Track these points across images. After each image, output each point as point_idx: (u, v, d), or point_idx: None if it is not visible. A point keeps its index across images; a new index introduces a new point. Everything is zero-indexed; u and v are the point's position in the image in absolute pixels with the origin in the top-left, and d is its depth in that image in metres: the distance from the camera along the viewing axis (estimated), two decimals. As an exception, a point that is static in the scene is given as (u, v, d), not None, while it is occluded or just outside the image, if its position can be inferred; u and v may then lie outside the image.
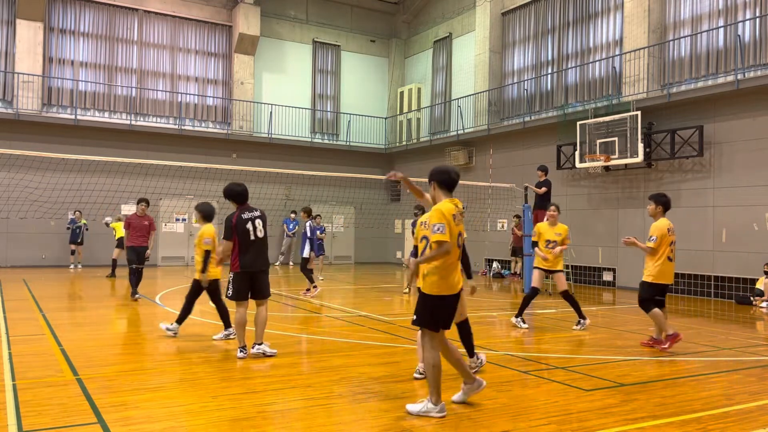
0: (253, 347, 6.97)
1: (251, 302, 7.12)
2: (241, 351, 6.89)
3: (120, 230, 16.84)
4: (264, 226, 7.01)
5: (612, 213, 16.72)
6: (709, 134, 14.48)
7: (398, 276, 19.69)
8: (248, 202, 7.13)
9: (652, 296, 7.89)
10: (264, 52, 23.91)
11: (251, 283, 6.96)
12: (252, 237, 6.87)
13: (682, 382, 6.28)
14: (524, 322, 9.70)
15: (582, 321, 9.64)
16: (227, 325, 8.18)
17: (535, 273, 9.76)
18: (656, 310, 7.79)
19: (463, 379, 5.26)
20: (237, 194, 7.03)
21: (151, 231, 12.15)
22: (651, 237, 7.77)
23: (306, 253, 13.23)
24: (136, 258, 11.95)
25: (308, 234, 13.29)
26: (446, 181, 5.05)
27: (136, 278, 11.94)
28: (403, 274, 20.05)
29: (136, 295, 11.85)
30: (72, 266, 19.23)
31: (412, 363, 6.76)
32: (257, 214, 6.99)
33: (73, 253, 19.33)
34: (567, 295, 9.68)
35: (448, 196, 5.04)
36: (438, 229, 4.73)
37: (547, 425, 4.69)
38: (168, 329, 8.21)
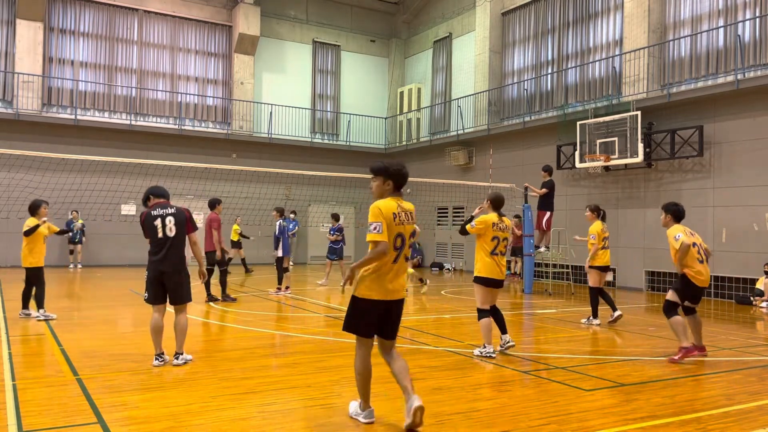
0: (175, 357, 6.52)
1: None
2: (156, 359, 6.45)
3: (235, 233, 18.44)
4: (177, 225, 6.48)
5: (612, 213, 16.71)
6: (709, 134, 14.48)
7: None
8: (170, 200, 6.83)
9: (682, 299, 7.34)
10: (264, 52, 23.91)
11: (164, 285, 6.49)
12: (160, 235, 6.43)
13: (682, 382, 6.28)
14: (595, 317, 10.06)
15: (591, 318, 10.00)
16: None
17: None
18: (678, 317, 7.23)
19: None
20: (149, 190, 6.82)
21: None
22: (675, 236, 7.28)
23: (281, 252, 13.35)
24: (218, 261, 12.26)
25: (276, 233, 13.40)
26: (395, 176, 4.64)
27: (220, 279, 12.37)
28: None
29: (228, 298, 12.13)
30: (71, 266, 19.24)
31: (412, 363, 6.75)
32: (171, 211, 6.53)
33: (71, 252, 19.35)
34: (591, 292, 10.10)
35: (394, 195, 4.67)
36: (374, 228, 4.45)
37: (547, 425, 4.69)
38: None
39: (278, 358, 7.09)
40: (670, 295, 7.36)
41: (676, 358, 7.13)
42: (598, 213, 10.07)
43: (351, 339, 8.23)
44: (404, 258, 4.64)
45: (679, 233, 7.27)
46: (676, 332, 7.21)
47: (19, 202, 15.64)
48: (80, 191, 17.07)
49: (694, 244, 7.31)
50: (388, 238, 4.48)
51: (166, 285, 6.47)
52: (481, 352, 7.17)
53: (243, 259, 19.34)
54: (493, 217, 7.18)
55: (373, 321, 4.58)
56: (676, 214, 7.53)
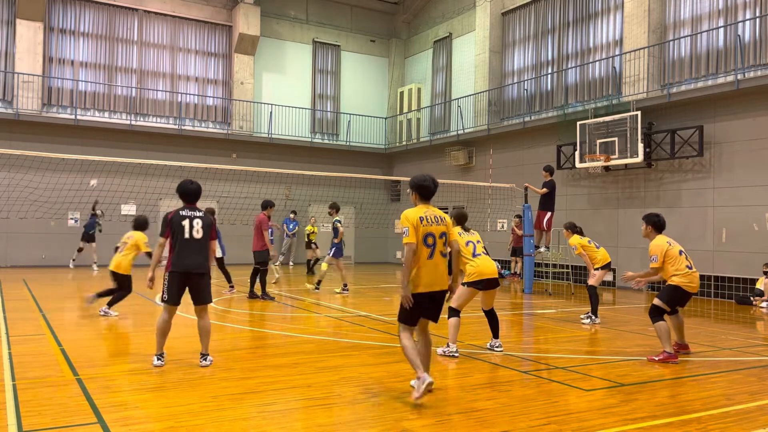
0: (203, 358, 6.49)
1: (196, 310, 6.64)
2: (157, 358, 6.40)
3: (314, 235, 19.14)
4: (204, 228, 6.60)
5: (612, 213, 16.72)
6: (709, 134, 14.48)
7: (398, 276, 19.68)
8: (197, 203, 6.88)
9: (671, 306, 7.34)
10: (264, 52, 23.91)
11: (184, 285, 6.48)
12: (187, 236, 6.48)
13: (682, 382, 6.28)
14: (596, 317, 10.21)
15: (593, 317, 10.14)
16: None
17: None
18: (663, 323, 7.21)
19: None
20: (187, 193, 6.87)
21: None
22: (652, 257, 7.36)
23: (219, 252, 13.11)
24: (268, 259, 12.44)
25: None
26: (418, 188, 5.42)
27: (260, 277, 12.42)
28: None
29: (266, 297, 12.28)
30: (95, 266, 18.35)
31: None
32: (199, 214, 6.70)
33: (80, 250, 18.51)
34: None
35: (422, 203, 5.41)
36: (404, 233, 5.19)
37: (547, 425, 4.69)
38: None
39: (278, 358, 7.09)
40: (658, 302, 7.31)
41: (656, 358, 7.11)
42: (573, 229, 10.72)
43: (351, 339, 8.26)
44: (440, 254, 5.25)
45: (655, 255, 7.29)
46: (661, 338, 7.19)
47: (19, 202, 15.65)
48: (80, 191, 17.07)
49: (681, 252, 7.35)
50: (417, 238, 5.15)
51: (191, 286, 6.47)
52: (444, 351, 7.22)
53: (309, 261, 19.62)
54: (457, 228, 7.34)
55: (418, 311, 5.28)
56: (657, 225, 7.64)
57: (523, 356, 7.39)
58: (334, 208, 14.02)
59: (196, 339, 6.58)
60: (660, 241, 7.42)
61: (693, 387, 6.11)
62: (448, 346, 7.23)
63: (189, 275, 6.44)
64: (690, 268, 7.28)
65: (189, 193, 6.84)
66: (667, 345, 7.15)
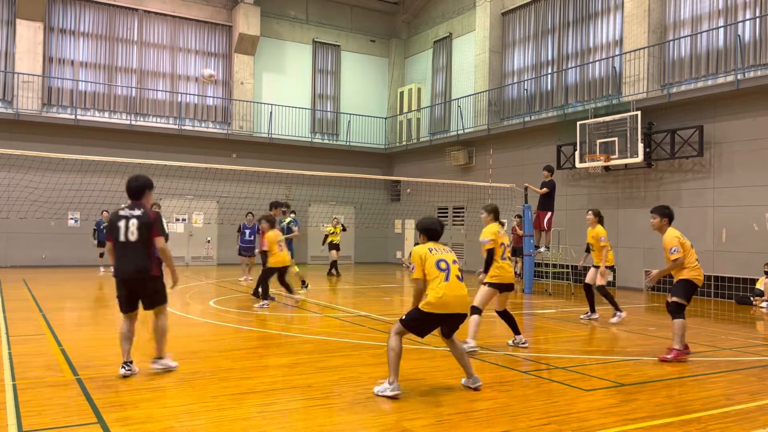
0: (153, 361, 6.11)
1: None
2: (123, 367, 5.91)
3: (336, 236, 18.95)
4: (139, 229, 5.97)
5: (612, 213, 16.71)
6: (709, 134, 14.48)
7: (398, 276, 19.69)
8: (142, 200, 6.26)
9: (687, 301, 7.26)
10: (264, 52, 23.91)
11: (129, 291, 6.02)
12: (122, 238, 5.98)
13: (682, 382, 6.28)
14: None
15: (619, 314, 10.17)
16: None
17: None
18: (683, 320, 7.17)
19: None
20: (127, 189, 6.26)
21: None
22: (672, 249, 7.20)
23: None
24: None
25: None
26: (425, 232, 5.78)
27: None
28: (402, 274, 20.05)
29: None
30: (102, 268, 17.80)
31: (412, 363, 6.76)
32: (136, 213, 6.07)
33: (102, 255, 17.42)
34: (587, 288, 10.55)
35: (429, 243, 5.74)
36: (412, 268, 5.58)
37: (547, 425, 4.69)
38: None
39: (278, 358, 7.08)
40: (678, 299, 7.19)
41: (668, 357, 7.09)
42: (601, 219, 10.39)
43: (351, 339, 8.26)
44: (456, 278, 5.47)
45: (675, 246, 7.17)
46: (677, 334, 7.12)
47: (19, 202, 15.65)
48: (80, 191, 17.06)
49: (691, 245, 7.36)
50: (428, 267, 5.44)
51: (134, 292, 6.03)
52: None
53: (335, 262, 19.10)
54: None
55: (430, 328, 5.56)
56: (671, 216, 7.52)
57: (523, 356, 7.39)
58: (287, 208, 13.57)
59: (196, 339, 6.59)
60: (675, 232, 7.34)
61: (693, 387, 6.11)
62: (466, 342, 7.28)
63: (128, 281, 5.99)
64: (698, 261, 7.31)
65: (128, 189, 6.24)
66: (680, 342, 7.11)
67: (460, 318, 5.53)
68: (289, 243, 16.57)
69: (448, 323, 5.54)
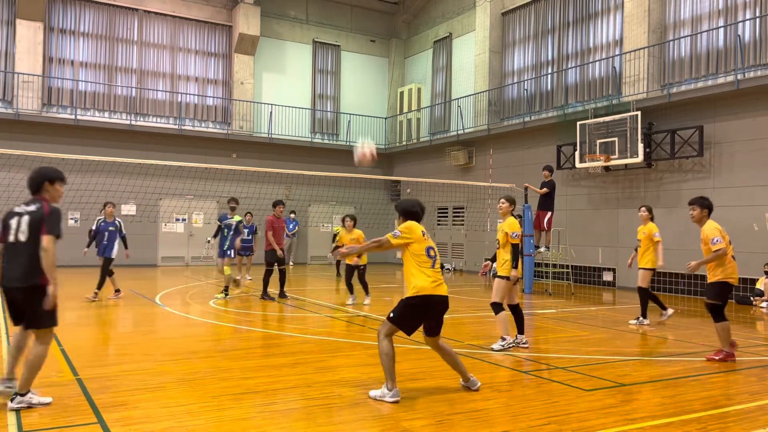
0: (12, 399, 4.85)
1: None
2: (2, 383, 5.08)
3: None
4: (30, 227, 4.92)
5: (612, 213, 16.72)
6: (709, 134, 14.48)
7: (398, 276, 19.68)
8: (43, 194, 5.15)
9: (724, 300, 7.26)
10: (264, 52, 23.91)
11: (11, 302, 5.04)
12: (11, 238, 4.97)
13: (682, 382, 6.28)
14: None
15: (664, 312, 10.01)
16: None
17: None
18: (726, 322, 7.21)
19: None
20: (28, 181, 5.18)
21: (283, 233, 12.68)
22: (714, 239, 7.17)
23: (114, 253, 11.81)
24: (277, 259, 12.32)
25: (93, 228, 11.86)
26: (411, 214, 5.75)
27: (263, 277, 12.39)
28: (402, 274, 20.04)
29: (266, 297, 12.24)
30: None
31: (412, 363, 6.77)
32: (31, 209, 5.01)
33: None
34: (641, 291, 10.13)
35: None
36: (395, 234, 5.61)
37: (547, 425, 4.69)
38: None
39: (278, 358, 7.09)
40: (715, 301, 7.21)
41: (716, 358, 7.12)
42: (710, 209, 9.77)
43: (351, 339, 8.26)
44: (439, 266, 5.52)
45: (717, 237, 7.13)
46: (721, 337, 7.19)
47: (19, 202, 15.65)
48: (80, 191, 17.06)
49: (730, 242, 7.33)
50: (418, 248, 5.46)
51: (16, 304, 5.01)
52: (502, 346, 7.56)
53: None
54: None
55: (419, 319, 5.47)
56: (711, 208, 7.55)
57: (523, 356, 7.39)
58: (236, 204, 12.89)
59: (196, 339, 6.59)
60: (716, 224, 7.36)
61: (693, 387, 6.11)
62: (503, 339, 7.42)
63: (9, 291, 4.96)
64: (734, 258, 7.29)
65: (27, 182, 5.19)
66: (726, 343, 7.15)
67: (443, 305, 5.45)
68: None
69: (432, 314, 5.43)
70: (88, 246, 12.19)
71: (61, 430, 4.46)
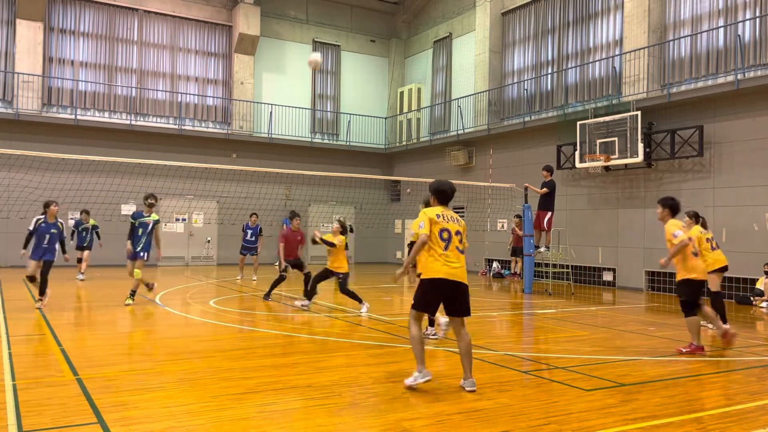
0: None
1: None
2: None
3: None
4: None
5: (612, 213, 16.72)
6: (709, 134, 14.48)
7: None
8: None
9: (694, 296, 7.63)
10: (264, 52, 23.91)
11: None
12: None
13: (682, 382, 6.28)
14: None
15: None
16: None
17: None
18: (695, 317, 7.63)
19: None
20: None
21: (302, 244, 12.63)
22: (674, 233, 7.50)
23: (55, 256, 11.14)
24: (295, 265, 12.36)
25: (31, 228, 11.00)
26: (436, 193, 5.98)
27: (277, 281, 12.33)
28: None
29: (267, 298, 12.21)
30: (80, 275, 16.24)
31: (413, 363, 6.76)
32: None
33: (80, 261, 16.22)
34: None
35: (439, 205, 5.94)
36: (420, 225, 5.67)
37: (547, 425, 4.69)
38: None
39: (278, 358, 7.09)
40: (684, 298, 7.74)
41: (683, 350, 7.57)
42: (697, 219, 9.80)
43: (351, 339, 8.26)
44: (456, 249, 5.66)
45: (678, 231, 7.55)
46: (690, 331, 7.67)
47: (19, 202, 15.64)
48: (80, 191, 17.07)
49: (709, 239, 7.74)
50: (431, 232, 5.61)
51: None
52: None
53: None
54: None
55: (435, 298, 5.71)
56: (674, 208, 7.78)
57: (523, 356, 7.39)
58: (155, 200, 11.42)
59: (196, 339, 6.59)
60: (678, 222, 7.76)
61: (693, 387, 6.11)
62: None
63: None
64: (716, 248, 7.77)
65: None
66: (696, 338, 7.61)
67: (459, 288, 5.62)
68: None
69: (446, 295, 5.63)
70: (25, 247, 11.10)
71: (61, 430, 4.46)
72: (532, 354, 7.60)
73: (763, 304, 12.64)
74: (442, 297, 5.67)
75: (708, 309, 7.96)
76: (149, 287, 12.04)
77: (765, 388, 6.03)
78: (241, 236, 17.23)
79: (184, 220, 22.06)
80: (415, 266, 6.01)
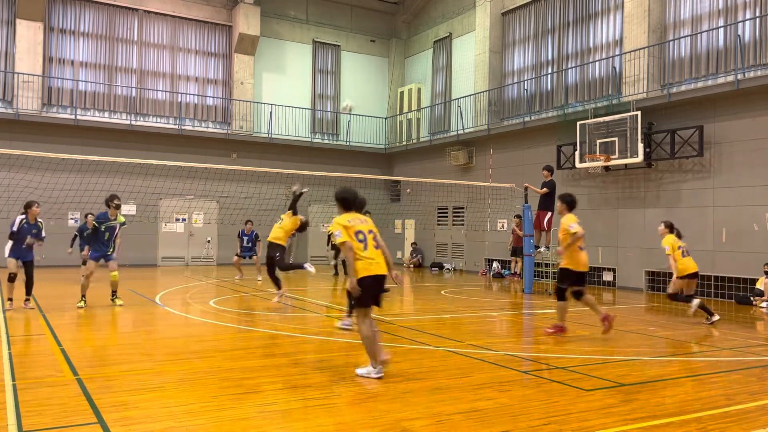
0: None
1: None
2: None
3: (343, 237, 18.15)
4: None
5: (612, 213, 16.72)
6: (709, 134, 14.48)
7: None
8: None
9: (567, 283, 8.59)
10: (264, 52, 23.91)
11: None
12: None
13: (682, 382, 6.28)
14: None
15: (709, 317, 10.08)
16: None
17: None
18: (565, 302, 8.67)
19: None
20: None
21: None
22: (571, 225, 8.44)
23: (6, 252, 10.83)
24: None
25: (14, 229, 10.58)
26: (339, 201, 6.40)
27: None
28: (402, 273, 20.04)
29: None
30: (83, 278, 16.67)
31: (412, 363, 6.77)
32: None
33: (85, 263, 15.52)
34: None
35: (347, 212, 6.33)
36: (337, 234, 6.07)
37: (547, 425, 4.69)
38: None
39: (278, 358, 7.09)
40: (558, 284, 8.79)
41: (549, 331, 8.65)
42: (672, 229, 10.44)
43: (351, 339, 8.26)
44: (373, 246, 6.12)
45: (573, 224, 8.39)
46: (558, 313, 8.74)
47: (19, 202, 15.63)
48: (80, 191, 17.06)
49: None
50: (350, 236, 6.03)
51: None
52: None
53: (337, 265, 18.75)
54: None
55: (371, 293, 6.08)
56: (570, 204, 8.68)
57: (523, 356, 7.39)
58: (119, 201, 11.03)
59: (196, 339, 6.58)
60: (573, 217, 8.61)
61: (693, 387, 6.11)
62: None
63: None
64: (581, 249, 8.49)
65: None
66: (560, 319, 8.67)
67: (378, 283, 6.08)
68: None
69: (376, 288, 6.08)
70: (13, 247, 10.82)
71: (61, 430, 4.46)
72: (532, 354, 7.60)
73: (763, 304, 12.64)
74: (378, 290, 6.11)
75: (590, 297, 8.70)
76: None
77: (765, 388, 6.03)
78: (237, 242, 17.32)
79: (184, 220, 22.06)
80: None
